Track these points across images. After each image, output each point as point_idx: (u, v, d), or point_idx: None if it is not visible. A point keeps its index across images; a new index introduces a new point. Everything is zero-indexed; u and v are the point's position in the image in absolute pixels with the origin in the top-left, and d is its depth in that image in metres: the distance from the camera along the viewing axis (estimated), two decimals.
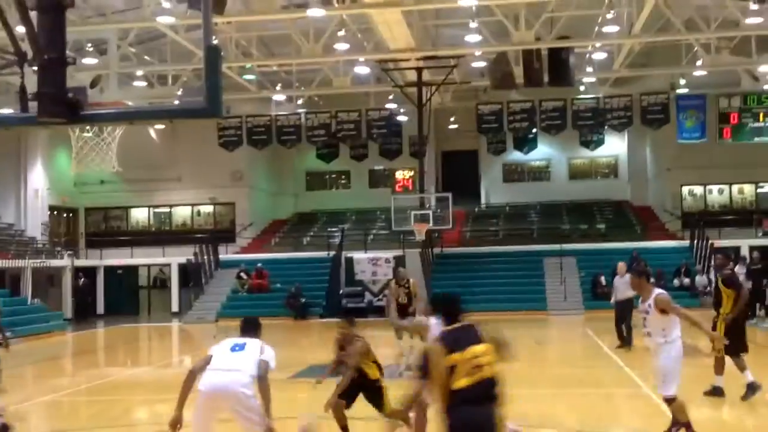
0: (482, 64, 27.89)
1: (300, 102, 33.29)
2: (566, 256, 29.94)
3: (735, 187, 35.51)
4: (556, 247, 30.38)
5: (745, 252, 28.55)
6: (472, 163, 38.81)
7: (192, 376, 6.53)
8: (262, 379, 6.46)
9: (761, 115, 30.01)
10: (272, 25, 24.71)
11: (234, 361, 6.52)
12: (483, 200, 38.86)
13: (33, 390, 14.43)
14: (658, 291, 8.14)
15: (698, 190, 35.85)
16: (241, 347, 6.63)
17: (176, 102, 25.64)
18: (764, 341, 18.82)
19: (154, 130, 34.21)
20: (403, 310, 14.58)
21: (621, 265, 18.01)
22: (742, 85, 30.12)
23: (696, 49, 26.48)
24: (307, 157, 37.44)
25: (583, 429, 9.52)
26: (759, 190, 35.38)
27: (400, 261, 29.31)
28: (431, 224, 28.52)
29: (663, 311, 7.95)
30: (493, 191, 38.95)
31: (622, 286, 16.69)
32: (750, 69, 28.99)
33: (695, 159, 32.52)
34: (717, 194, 35.81)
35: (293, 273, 30.33)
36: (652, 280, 8.66)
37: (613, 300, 17.46)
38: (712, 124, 30.31)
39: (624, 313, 17.01)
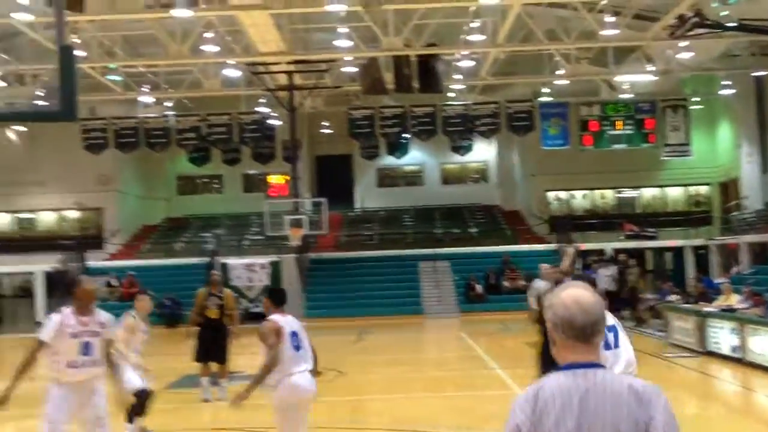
0: (353, 69, 28.07)
1: (169, 104, 32.49)
2: (440, 260, 30.47)
3: (597, 192, 37.10)
4: (430, 251, 30.88)
5: (610, 253, 29.86)
6: (346, 168, 38.96)
7: None
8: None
9: (618, 123, 31.53)
10: (137, 24, 24.03)
11: None
12: (357, 205, 39.07)
13: None
14: None
15: (563, 195, 37.25)
16: None
17: (34, 103, 24.62)
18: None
19: (14, 131, 32.62)
20: None
21: (545, 267, 13.99)
22: (601, 94, 31.56)
23: (557, 58, 27.52)
24: (178, 161, 36.58)
25: (459, 429, 9.71)
26: (619, 195, 37.11)
27: (275, 266, 29.15)
28: (306, 229, 28.43)
29: None
30: (368, 196, 39.23)
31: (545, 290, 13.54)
32: (607, 79, 30.39)
33: (560, 165, 33.75)
34: (581, 199, 37.32)
35: (166, 280, 29.55)
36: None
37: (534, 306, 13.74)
38: (574, 131, 31.60)
39: None
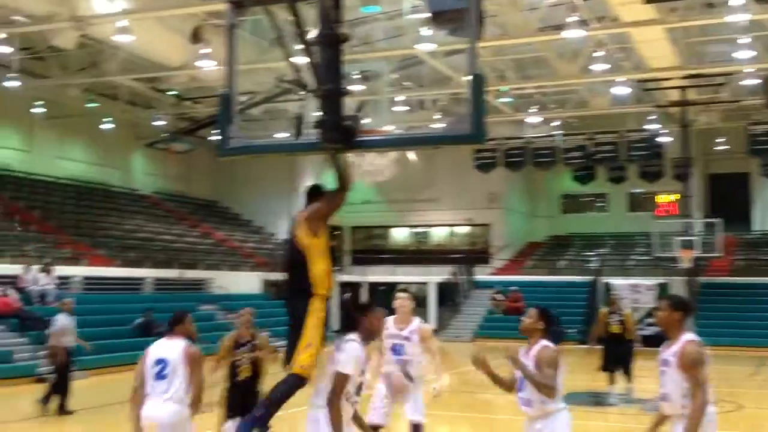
0: (755, 81, 26.00)
1: (555, 124, 32.93)
2: None
3: None
4: None
5: None
6: (744, 187, 36.09)
7: None
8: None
9: None
10: (528, 47, 24.79)
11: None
12: (756, 227, 35.97)
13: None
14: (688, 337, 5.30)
15: None
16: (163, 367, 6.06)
17: (441, 127, 26.55)
18: None
19: (414, 152, 35.48)
20: None
21: None
22: None
23: None
24: (562, 180, 36.90)
25: None
26: None
27: (663, 289, 28.07)
28: (698, 251, 27.18)
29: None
30: None
31: None
32: None
33: None
34: None
35: (548, 296, 29.96)
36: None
37: None
38: None
39: None
